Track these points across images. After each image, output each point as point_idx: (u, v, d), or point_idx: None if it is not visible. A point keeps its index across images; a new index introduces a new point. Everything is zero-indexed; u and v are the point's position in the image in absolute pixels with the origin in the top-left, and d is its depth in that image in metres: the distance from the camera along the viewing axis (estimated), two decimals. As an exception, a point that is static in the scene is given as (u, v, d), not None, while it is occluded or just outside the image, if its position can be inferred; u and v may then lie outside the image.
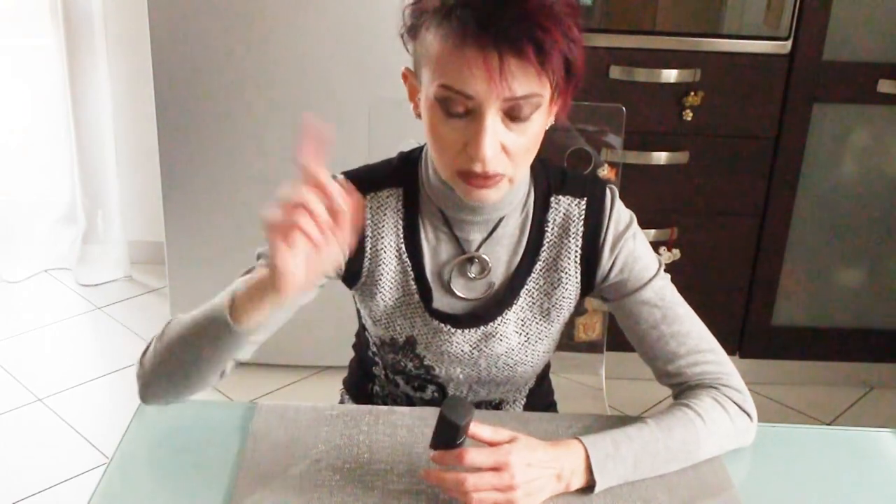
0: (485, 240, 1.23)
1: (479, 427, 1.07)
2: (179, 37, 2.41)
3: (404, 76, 1.18)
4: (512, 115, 1.07)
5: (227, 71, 2.43)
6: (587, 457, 1.10)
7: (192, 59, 2.43)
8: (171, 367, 1.16)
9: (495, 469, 1.04)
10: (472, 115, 1.07)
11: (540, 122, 1.10)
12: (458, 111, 1.07)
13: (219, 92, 2.46)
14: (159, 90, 2.46)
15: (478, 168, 1.08)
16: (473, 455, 1.04)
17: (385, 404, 1.38)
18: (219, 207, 2.58)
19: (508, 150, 1.09)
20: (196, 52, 2.42)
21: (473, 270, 1.24)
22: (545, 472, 1.07)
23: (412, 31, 1.12)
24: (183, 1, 2.37)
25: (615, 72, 2.33)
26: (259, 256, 1.23)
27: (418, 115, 1.15)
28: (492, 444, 1.07)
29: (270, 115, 2.46)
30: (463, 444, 1.05)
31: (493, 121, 1.06)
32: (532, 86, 1.05)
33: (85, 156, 3.07)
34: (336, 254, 0.99)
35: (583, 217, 1.23)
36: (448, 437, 1.04)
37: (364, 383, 1.43)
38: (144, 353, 1.18)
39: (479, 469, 1.04)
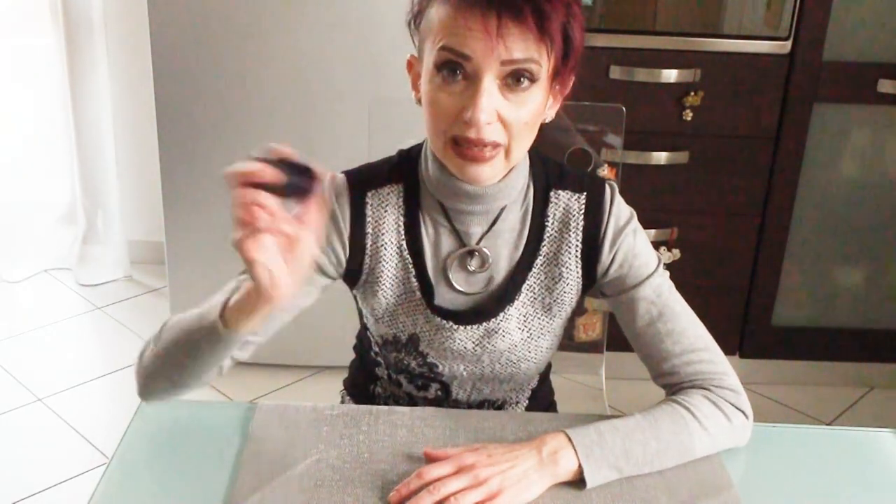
0: (485, 233, 1.23)
1: (434, 448, 1.11)
2: (179, 37, 2.41)
3: (409, 64, 1.19)
4: (509, 83, 1.08)
5: (227, 71, 2.43)
6: (570, 440, 1.10)
7: (192, 60, 2.43)
8: (170, 368, 1.16)
9: (459, 472, 1.05)
10: (470, 80, 1.08)
11: (538, 98, 1.11)
12: (456, 77, 1.08)
13: (219, 92, 2.45)
14: (159, 90, 2.46)
15: (472, 134, 1.08)
16: (432, 469, 1.06)
17: (387, 405, 1.38)
18: (219, 207, 2.56)
19: (504, 120, 1.09)
20: (196, 52, 2.42)
21: (473, 264, 1.24)
22: (518, 459, 1.07)
23: (419, 18, 1.14)
24: (183, 1, 2.37)
25: (615, 72, 2.33)
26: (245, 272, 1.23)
27: (418, 101, 1.16)
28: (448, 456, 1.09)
29: (270, 115, 2.46)
30: (313, 192, 0.97)
31: (489, 84, 1.07)
32: (530, 50, 1.06)
33: (85, 156, 3.07)
34: (310, 242, 0.98)
35: (582, 212, 1.23)
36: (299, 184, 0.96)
37: (366, 385, 1.43)
38: (143, 352, 1.19)
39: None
